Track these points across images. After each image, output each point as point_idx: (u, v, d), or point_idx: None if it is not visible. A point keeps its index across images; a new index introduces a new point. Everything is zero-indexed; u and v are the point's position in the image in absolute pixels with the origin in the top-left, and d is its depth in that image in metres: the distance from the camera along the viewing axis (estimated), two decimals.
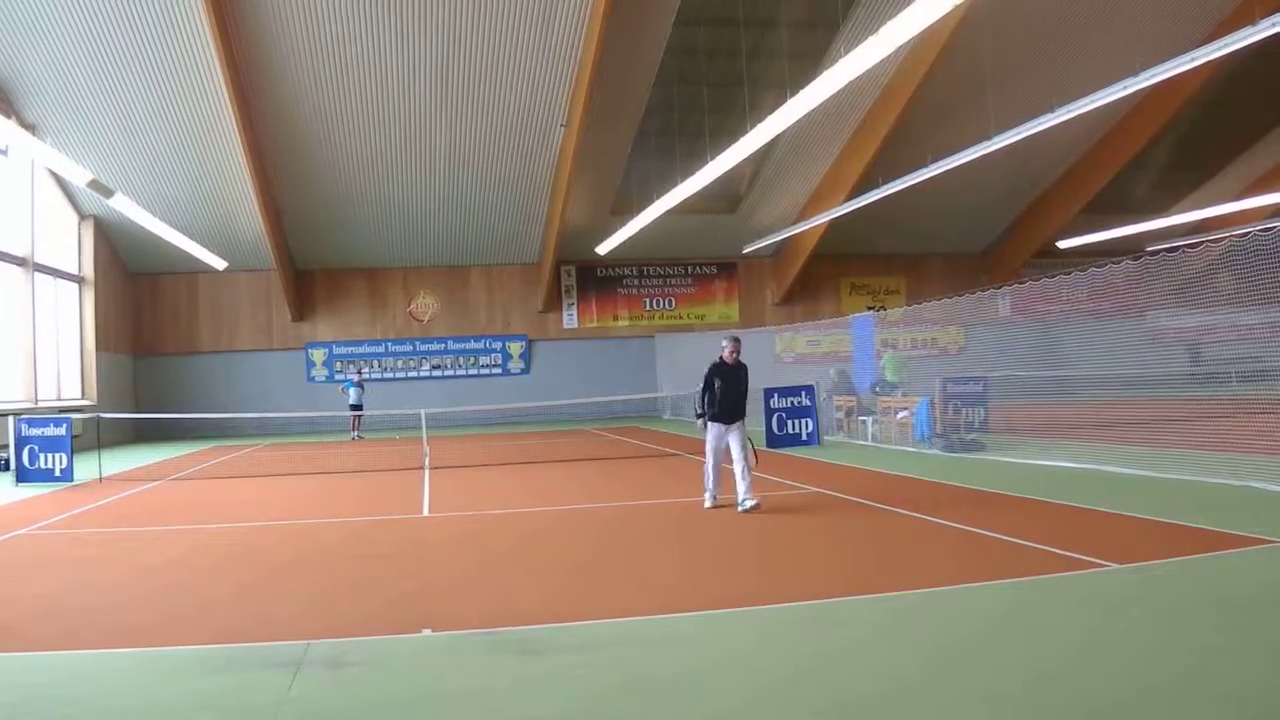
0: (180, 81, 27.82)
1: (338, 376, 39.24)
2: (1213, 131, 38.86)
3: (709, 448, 14.84)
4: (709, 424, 14.85)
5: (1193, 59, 17.91)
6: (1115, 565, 9.54)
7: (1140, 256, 21.35)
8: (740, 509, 14.14)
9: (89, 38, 25.85)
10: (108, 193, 23.68)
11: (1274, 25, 15.89)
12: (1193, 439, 18.30)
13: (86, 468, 22.48)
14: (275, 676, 6.97)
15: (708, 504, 14.76)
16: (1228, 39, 17.08)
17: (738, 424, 14.86)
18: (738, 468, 14.46)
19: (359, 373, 37.19)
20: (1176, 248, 20.72)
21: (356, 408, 35.25)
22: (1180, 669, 6.51)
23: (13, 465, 21.46)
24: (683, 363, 39.32)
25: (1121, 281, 22.86)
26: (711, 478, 14.84)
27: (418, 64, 28.61)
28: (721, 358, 14.84)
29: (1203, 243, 20.90)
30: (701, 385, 14.96)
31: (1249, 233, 18.93)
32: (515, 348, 42.29)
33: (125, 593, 10.11)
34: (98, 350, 34.90)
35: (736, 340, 14.99)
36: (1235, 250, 21.35)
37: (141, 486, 20.78)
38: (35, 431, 21.33)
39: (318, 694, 6.66)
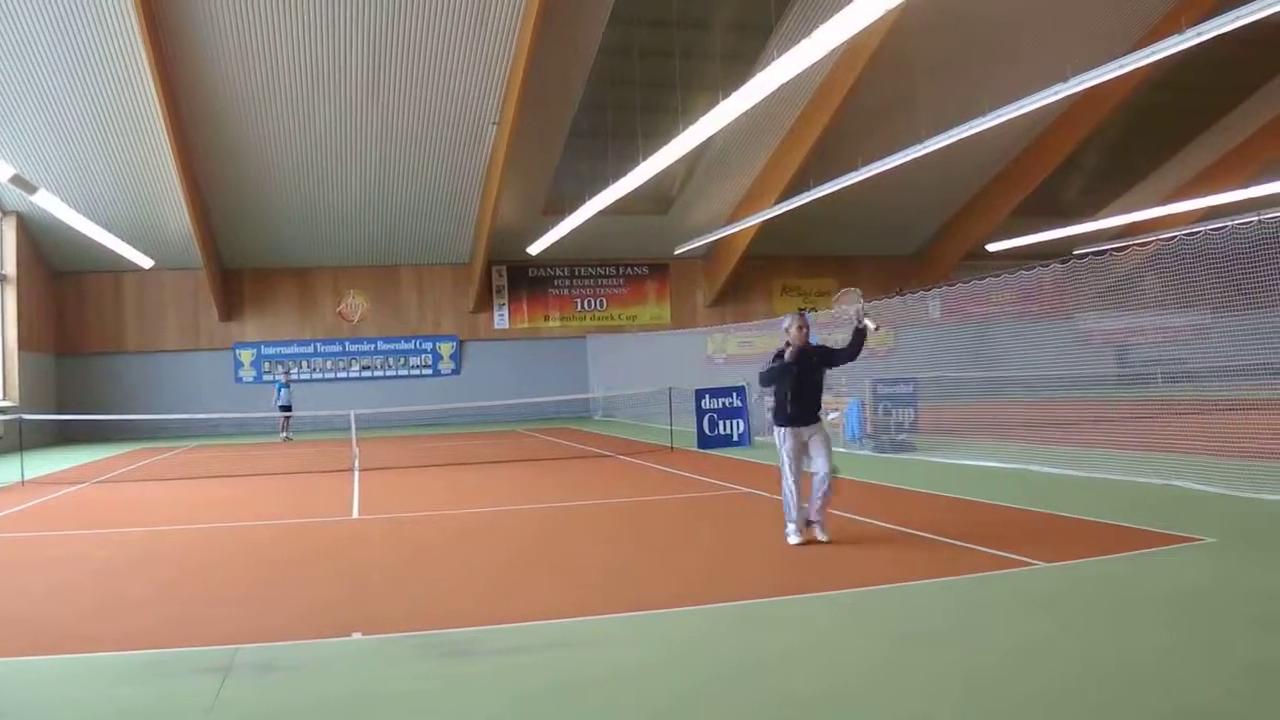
0: (107, 76, 27.41)
1: (266, 378, 38.91)
2: (1140, 137, 39.35)
3: (786, 460, 11.59)
4: (782, 430, 11.65)
5: (1121, 65, 18.14)
6: (1043, 564, 9.63)
7: (1069, 260, 21.58)
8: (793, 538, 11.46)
9: (12, 29, 25.38)
10: (31, 189, 23.35)
11: (1199, 34, 16.13)
12: (1119, 439, 18.54)
13: (8, 470, 22.22)
14: (204, 682, 6.88)
15: (793, 539, 11.40)
16: (1155, 47, 17.31)
17: (816, 425, 11.74)
18: (818, 479, 11.45)
19: (286, 374, 36.97)
20: (1104, 251, 20.95)
21: (286, 409, 35.04)
22: (1109, 667, 6.56)
23: None
24: (615, 363, 39.40)
25: (1050, 284, 23.11)
26: (794, 500, 11.48)
27: (349, 62, 28.39)
28: (787, 342, 11.65)
29: (1130, 246, 21.14)
30: (771, 382, 11.79)
31: (1175, 237, 19.17)
32: (446, 348, 42.12)
33: (47, 598, 9.96)
34: (20, 350, 34.31)
35: (803, 315, 12.00)
36: (1162, 254, 21.63)
37: (65, 489, 20.48)
38: None
39: (248, 700, 6.58)
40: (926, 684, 6.43)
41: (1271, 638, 7.05)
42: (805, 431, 11.59)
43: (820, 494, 11.38)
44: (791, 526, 11.45)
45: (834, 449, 11.52)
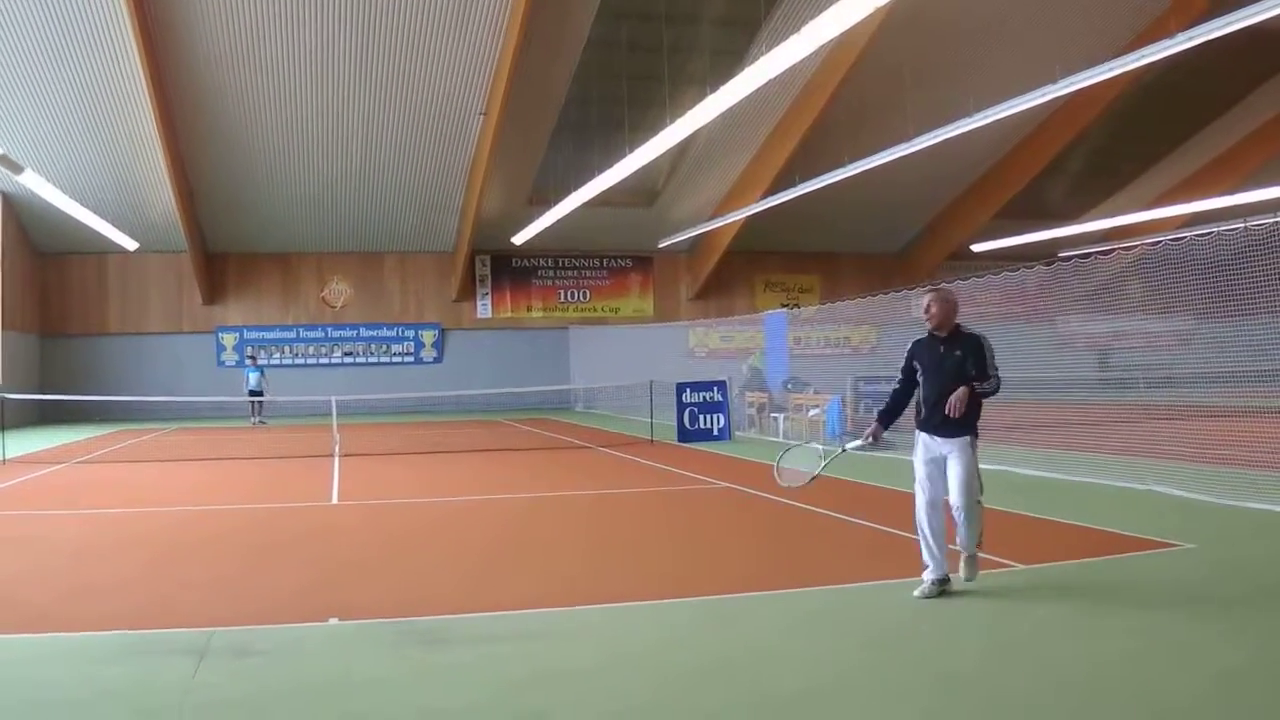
0: (94, 58, 27.27)
1: (249, 362, 38.75)
2: (1127, 141, 39.34)
3: (918, 480, 9.08)
4: (975, 440, 8.92)
5: (1110, 68, 18.17)
6: (1021, 566, 9.64)
7: (1053, 262, 21.61)
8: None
9: None
10: (17, 169, 23.27)
11: (1190, 38, 16.15)
12: (1100, 443, 18.52)
13: None
14: (179, 664, 6.87)
15: (929, 588, 8.58)
16: (1145, 50, 17.34)
17: (961, 440, 8.81)
18: (958, 512, 8.81)
19: (253, 359, 37.12)
20: (1089, 254, 20.99)
21: (256, 393, 35.03)
22: (1083, 670, 6.57)
23: None
24: (597, 355, 39.38)
25: (1034, 286, 23.14)
26: (931, 537, 8.70)
27: (336, 47, 28.28)
28: (930, 331, 9.13)
29: (1114, 250, 21.18)
30: (900, 375, 9.40)
31: (1160, 242, 19.22)
32: (428, 336, 42.06)
33: (24, 578, 9.95)
34: (3, 330, 34.26)
35: (938, 292, 9.15)
36: (1146, 259, 21.65)
37: (46, 469, 20.46)
38: None
39: (223, 682, 6.58)
40: (897, 685, 6.45)
41: (1241, 645, 7.07)
42: (940, 445, 8.96)
43: (968, 532, 8.85)
44: (929, 569, 8.67)
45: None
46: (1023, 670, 6.65)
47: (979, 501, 8.81)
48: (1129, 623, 7.69)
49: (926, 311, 9.00)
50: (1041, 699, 6.09)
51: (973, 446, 8.85)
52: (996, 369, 8.83)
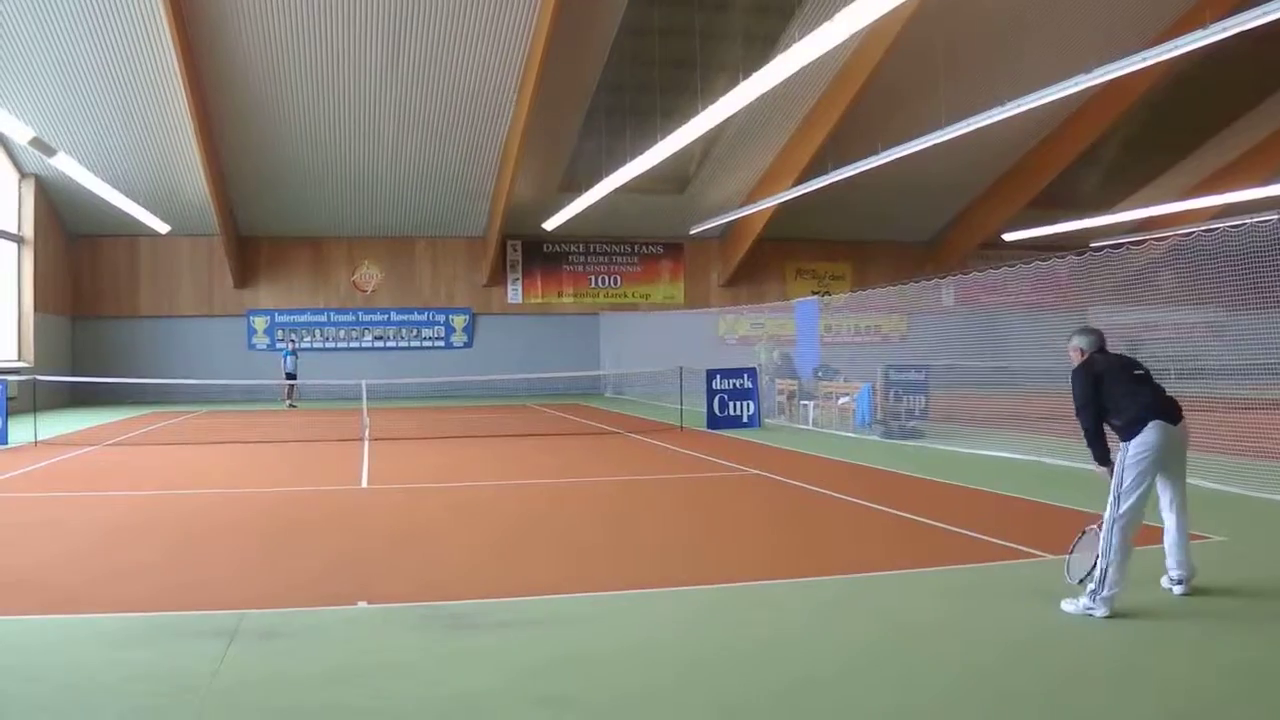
0: (127, 41, 27.34)
1: (280, 345, 38.90)
2: (1160, 132, 39.07)
3: (1130, 490, 7.97)
4: (1129, 443, 8.03)
5: (1144, 58, 18.03)
6: (1050, 556, 9.58)
7: (1084, 252, 21.50)
8: (1177, 590, 8.19)
9: None
10: (50, 151, 23.37)
11: (1224, 29, 16.03)
12: None
13: (21, 431, 22.25)
14: (209, 646, 6.93)
15: (1101, 610, 7.53)
16: (1178, 41, 17.21)
17: (1181, 427, 8.21)
18: (1176, 520, 8.40)
19: (293, 343, 37.40)
20: (1120, 245, 20.86)
21: (290, 376, 35.26)
22: (1112, 661, 6.56)
23: None
24: (627, 341, 39.40)
25: (1065, 275, 23.04)
26: (1120, 555, 7.73)
27: (369, 32, 28.29)
28: (1095, 354, 8.56)
29: (1146, 241, 21.08)
30: (1084, 396, 8.28)
31: (1192, 233, 19.10)
32: (459, 321, 42.10)
33: (54, 560, 10.02)
34: (36, 311, 34.45)
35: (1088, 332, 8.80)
36: (1178, 250, 21.53)
37: (77, 451, 20.61)
38: None
39: (253, 664, 6.63)
40: (920, 674, 6.46)
41: (1265, 638, 7.08)
42: (1171, 440, 8.09)
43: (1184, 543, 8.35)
44: (1107, 594, 7.60)
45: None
46: (1040, 662, 6.67)
47: (1115, 522, 7.86)
48: (1153, 615, 7.67)
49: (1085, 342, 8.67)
50: (1065, 691, 6.11)
51: (1112, 472, 8.10)
52: (1076, 405, 8.34)
